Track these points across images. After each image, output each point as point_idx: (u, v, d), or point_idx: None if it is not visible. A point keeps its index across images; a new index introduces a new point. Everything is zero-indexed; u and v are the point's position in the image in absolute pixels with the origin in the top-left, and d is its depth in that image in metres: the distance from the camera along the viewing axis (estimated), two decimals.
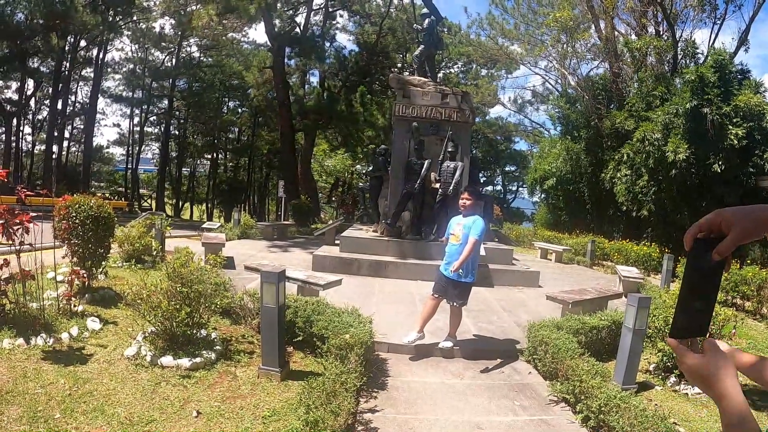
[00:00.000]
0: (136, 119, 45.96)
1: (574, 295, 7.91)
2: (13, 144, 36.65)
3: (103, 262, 7.63)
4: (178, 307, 5.16)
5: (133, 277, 7.84)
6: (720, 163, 15.73)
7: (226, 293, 6.44)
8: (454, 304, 6.15)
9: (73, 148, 46.51)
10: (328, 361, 4.97)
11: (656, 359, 6.17)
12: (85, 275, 6.80)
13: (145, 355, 5.15)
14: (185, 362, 5.06)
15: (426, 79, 12.60)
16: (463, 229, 5.97)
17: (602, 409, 4.35)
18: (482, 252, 6.29)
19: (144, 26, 37.33)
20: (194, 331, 5.52)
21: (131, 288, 5.69)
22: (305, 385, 4.33)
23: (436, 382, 5.50)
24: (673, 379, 5.81)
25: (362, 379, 4.72)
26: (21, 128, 39.01)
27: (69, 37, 32.82)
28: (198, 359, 5.14)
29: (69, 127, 42.78)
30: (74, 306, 6.16)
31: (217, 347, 5.51)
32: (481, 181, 22.01)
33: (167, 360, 5.08)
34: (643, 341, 5.52)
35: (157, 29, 38.87)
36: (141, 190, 50.56)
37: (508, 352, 6.45)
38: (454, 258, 5.94)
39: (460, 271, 5.86)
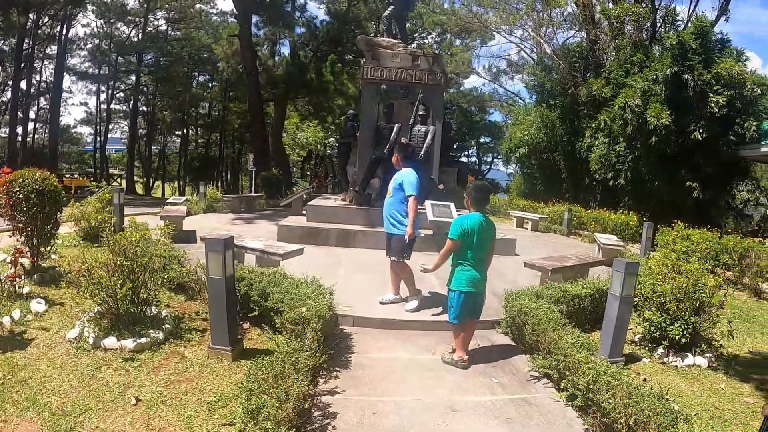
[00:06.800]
0: (103, 96, 44.58)
1: (554, 263, 7.60)
2: None
3: (53, 240, 7.08)
4: (120, 282, 4.73)
5: (87, 256, 7.34)
6: (701, 131, 15.51)
7: (180, 266, 5.98)
8: (393, 258, 6.16)
9: (40, 130, 45.10)
10: (284, 337, 4.53)
11: (642, 329, 5.83)
12: (30, 254, 6.45)
13: (88, 337, 4.77)
14: (129, 343, 4.68)
15: (396, 41, 12.02)
16: (393, 183, 6.13)
17: (590, 386, 3.95)
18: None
19: None
20: (141, 309, 5.10)
21: (69, 264, 5.23)
22: (251, 366, 3.89)
23: (405, 358, 5.12)
24: (660, 350, 5.50)
25: (321, 357, 4.31)
26: None
27: (30, 13, 31.55)
28: (143, 339, 4.74)
29: (34, 108, 41.37)
30: (19, 287, 5.87)
31: (167, 326, 5.10)
32: (455, 147, 21.68)
33: (110, 342, 4.70)
34: (631, 310, 5.18)
35: (122, 1, 37.68)
36: (111, 170, 49.27)
37: (484, 324, 6.01)
38: (387, 211, 6.15)
39: (391, 219, 6.05)
